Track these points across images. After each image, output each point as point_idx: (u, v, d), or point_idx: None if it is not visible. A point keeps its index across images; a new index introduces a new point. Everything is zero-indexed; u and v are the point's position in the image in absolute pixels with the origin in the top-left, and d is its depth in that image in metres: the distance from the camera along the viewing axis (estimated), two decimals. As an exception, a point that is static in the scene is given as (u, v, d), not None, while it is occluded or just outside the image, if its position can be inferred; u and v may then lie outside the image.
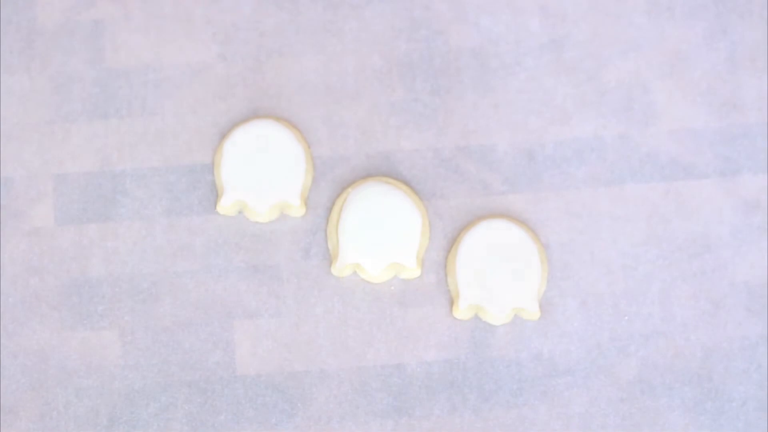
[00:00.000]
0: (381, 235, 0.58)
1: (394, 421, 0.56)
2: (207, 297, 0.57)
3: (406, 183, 0.59)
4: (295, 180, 0.58)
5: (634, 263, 0.58)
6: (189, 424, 0.56)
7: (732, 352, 0.58)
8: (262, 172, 0.58)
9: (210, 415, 0.56)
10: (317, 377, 0.57)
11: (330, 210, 0.59)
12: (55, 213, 0.58)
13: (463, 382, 0.57)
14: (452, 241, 0.59)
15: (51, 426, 0.55)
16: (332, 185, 0.59)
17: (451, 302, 0.58)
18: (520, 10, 0.61)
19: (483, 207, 0.59)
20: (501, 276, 0.57)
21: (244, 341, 0.57)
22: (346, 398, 0.56)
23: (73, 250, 0.57)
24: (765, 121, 0.60)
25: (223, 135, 0.59)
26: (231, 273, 0.58)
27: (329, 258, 0.58)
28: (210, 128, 0.59)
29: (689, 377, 0.57)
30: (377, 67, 0.60)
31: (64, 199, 0.58)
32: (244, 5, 0.60)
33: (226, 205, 0.58)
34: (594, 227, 0.59)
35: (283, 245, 0.58)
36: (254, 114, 0.59)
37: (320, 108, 0.60)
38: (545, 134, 0.60)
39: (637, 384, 0.57)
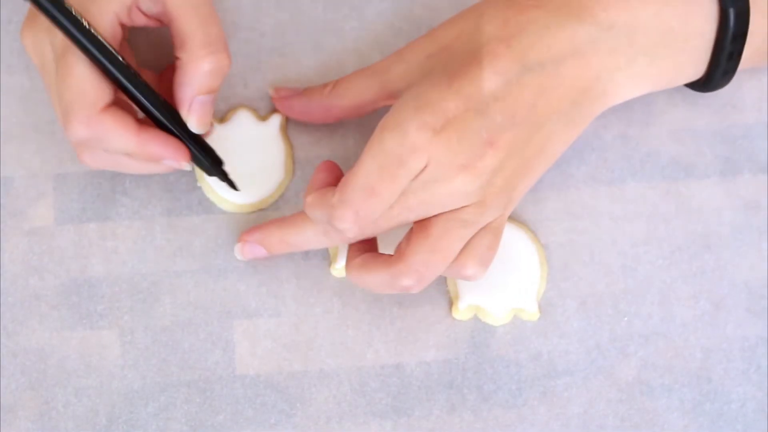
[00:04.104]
0: (380, 235, 0.57)
1: (393, 421, 0.56)
2: (207, 297, 0.57)
3: (406, 183, 0.59)
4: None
5: (634, 263, 0.58)
6: (188, 424, 0.56)
7: (731, 353, 0.58)
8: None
9: (209, 415, 0.56)
10: (316, 377, 0.57)
11: (330, 210, 0.58)
12: (55, 213, 0.58)
13: (463, 382, 0.57)
14: (452, 241, 0.58)
15: (50, 425, 0.56)
16: (332, 185, 0.59)
17: (451, 302, 0.58)
18: (521, 10, 0.61)
19: (483, 207, 0.59)
20: (501, 276, 0.57)
21: (243, 341, 0.57)
22: (345, 398, 0.56)
23: (72, 249, 0.57)
24: (765, 121, 0.60)
25: None
26: (231, 273, 0.58)
27: (329, 258, 0.58)
28: (210, 128, 0.59)
29: (688, 378, 0.57)
30: (377, 67, 0.60)
31: (64, 199, 0.58)
32: (244, 5, 0.60)
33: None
34: (594, 227, 0.59)
35: (283, 245, 0.58)
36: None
37: (320, 108, 0.60)
38: (545, 134, 0.60)
39: (636, 385, 0.57)
